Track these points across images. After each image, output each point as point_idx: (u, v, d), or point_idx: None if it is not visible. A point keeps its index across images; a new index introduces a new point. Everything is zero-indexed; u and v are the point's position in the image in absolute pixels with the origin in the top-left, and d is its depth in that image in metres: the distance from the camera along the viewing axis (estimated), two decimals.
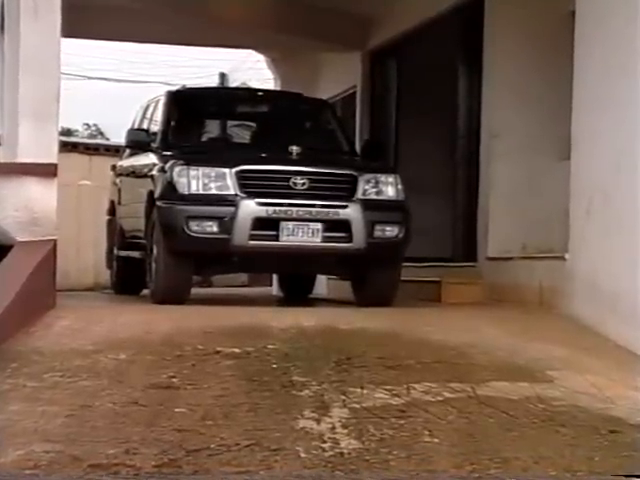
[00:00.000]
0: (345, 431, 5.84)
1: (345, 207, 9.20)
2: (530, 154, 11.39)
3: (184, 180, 9.09)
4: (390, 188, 9.57)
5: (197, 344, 7.65)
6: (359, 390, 6.56)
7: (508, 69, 11.68)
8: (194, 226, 8.93)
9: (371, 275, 9.69)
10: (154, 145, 10.52)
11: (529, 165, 11.35)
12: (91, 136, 37.29)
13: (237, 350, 7.50)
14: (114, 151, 18.34)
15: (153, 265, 9.67)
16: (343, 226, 9.18)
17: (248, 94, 13.01)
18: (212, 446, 5.55)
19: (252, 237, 8.96)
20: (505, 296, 10.85)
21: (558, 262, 9.55)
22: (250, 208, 8.97)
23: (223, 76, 29.96)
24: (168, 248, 9.20)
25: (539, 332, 7.30)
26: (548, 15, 11.05)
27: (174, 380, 6.80)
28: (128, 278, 12.39)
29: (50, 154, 9.31)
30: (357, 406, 6.28)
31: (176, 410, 6.16)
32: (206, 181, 9.06)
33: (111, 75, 38.21)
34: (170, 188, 9.20)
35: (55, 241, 9.29)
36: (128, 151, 12.75)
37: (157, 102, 12.19)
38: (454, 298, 11.33)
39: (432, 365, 7.22)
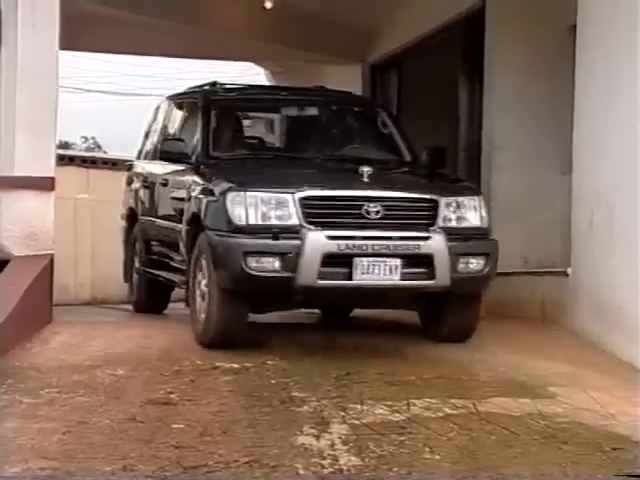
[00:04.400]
0: (345, 447, 5.85)
1: (426, 238, 7.80)
2: (531, 167, 11.40)
3: (240, 209, 7.67)
4: (475, 213, 8.19)
5: (195, 359, 7.66)
6: (359, 406, 6.56)
7: (509, 82, 11.71)
8: (253, 263, 7.52)
9: (450, 310, 8.37)
10: (194, 158, 9.02)
11: (530, 178, 11.36)
12: (89, 149, 37.38)
13: (236, 365, 7.51)
14: (112, 164, 18.40)
15: (197, 299, 8.33)
16: (425, 260, 7.79)
17: (295, 94, 10.83)
18: (210, 463, 5.55)
19: (321, 276, 7.55)
20: (507, 312, 10.83)
21: (560, 277, 9.55)
22: (319, 242, 7.55)
23: None
24: (221, 285, 7.83)
25: (541, 348, 7.31)
26: (549, 28, 11.07)
27: (172, 396, 6.81)
28: (153, 298, 11.05)
29: (47, 167, 9.32)
30: (357, 422, 6.29)
31: (174, 426, 6.16)
32: (265, 209, 7.65)
33: (108, 88, 38.28)
34: (223, 217, 7.76)
35: (52, 255, 9.30)
36: (146, 148, 11.51)
37: (177, 102, 10.88)
38: None
39: (433, 381, 7.22)
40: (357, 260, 7.59)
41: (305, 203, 7.68)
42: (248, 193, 7.70)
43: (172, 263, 9.71)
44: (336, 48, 16.25)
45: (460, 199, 8.16)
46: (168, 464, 5.51)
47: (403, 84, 16.01)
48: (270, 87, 11.86)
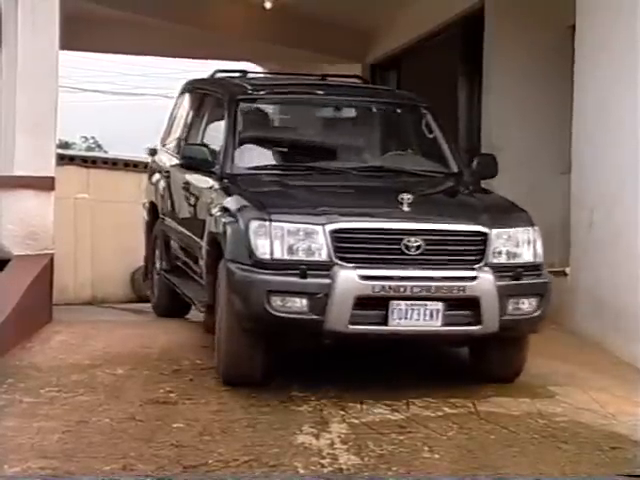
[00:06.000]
0: (344, 447, 5.85)
1: (473, 279, 6.73)
2: (530, 167, 11.40)
3: (264, 241, 6.67)
4: (528, 247, 7.09)
5: (195, 359, 7.66)
6: (358, 405, 6.56)
7: (508, 82, 11.72)
8: (277, 301, 6.56)
9: (497, 351, 7.26)
10: (217, 167, 7.90)
11: (529, 178, 11.36)
12: (89, 149, 37.37)
13: None
14: (112, 164, 18.43)
15: (217, 330, 7.28)
16: (470, 303, 6.73)
17: (333, 91, 9.23)
18: (210, 462, 5.55)
19: (353, 320, 6.55)
20: None
21: (559, 277, 9.55)
22: (351, 282, 6.54)
23: None
24: (240, 324, 6.84)
25: (541, 347, 7.29)
26: (548, 29, 11.08)
27: (172, 395, 6.81)
28: (174, 302, 9.90)
29: (47, 167, 9.33)
30: (356, 421, 6.29)
31: (174, 425, 6.16)
32: (292, 242, 6.66)
33: (108, 88, 38.31)
34: (245, 249, 6.74)
35: (52, 255, 9.30)
36: (169, 137, 10.34)
37: (202, 92, 9.70)
38: None
39: (432, 381, 7.22)
40: (394, 303, 6.62)
41: (337, 236, 6.67)
42: (273, 224, 6.70)
43: (192, 274, 8.81)
44: (336, 48, 16.27)
45: (513, 231, 7.08)
46: (168, 463, 5.51)
47: (402, 84, 15.99)
48: (305, 83, 9.38)
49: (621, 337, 8.13)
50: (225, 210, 7.27)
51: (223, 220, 7.21)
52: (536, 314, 6.99)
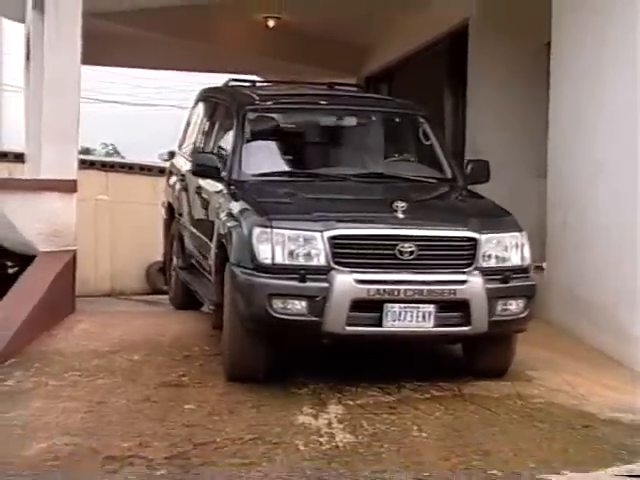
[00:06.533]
0: (340, 426, 5.86)
1: (463, 282, 6.58)
2: (510, 171, 11.35)
3: (266, 247, 6.52)
4: (516, 252, 6.90)
5: (204, 346, 7.66)
6: (353, 389, 6.56)
7: (490, 93, 11.70)
8: (278, 304, 6.42)
9: (485, 349, 7.12)
10: (225, 174, 7.70)
11: (509, 181, 11.31)
12: (108, 154, 37.30)
13: None
14: (128, 168, 18.43)
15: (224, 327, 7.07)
16: (460, 306, 6.60)
17: (336, 100, 8.99)
18: (218, 440, 5.56)
19: (349, 322, 6.41)
20: None
21: (538, 272, 9.55)
22: (347, 286, 6.40)
23: None
24: (243, 324, 6.69)
25: (520, 336, 7.30)
26: (526, 46, 11.07)
27: (183, 379, 6.82)
28: (190, 296, 9.68)
29: (70, 171, 9.32)
30: (351, 403, 6.30)
31: (185, 406, 6.17)
32: (292, 247, 6.51)
33: (123, 99, 38.20)
34: (248, 254, 6.59)
35: (75, 251, 9.30)
36: (186, 141, 10.16)
37: (214, 100, 9.50)
38: None
39: (420, 367, 7.22)
40: (388, 306, 6.48)
41: (334, 242, 6.51)
42: (275, 230, 6.54)
43: (203, 272, 8.62)
44: (333, 63, 16.24)
45: (501, 236, 6.90)
46: (180, 441, 5.52)
47: (393, 95, 15.95)
48: (309, 93, 9.23)
49: (592, 327, 8.14)
50: (231, 215, 7.15)
51: (229, 225, 7.09)
52: (523, 315, 6.83)
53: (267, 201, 7.13)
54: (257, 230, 6.58)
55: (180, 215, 9.79)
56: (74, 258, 9.27)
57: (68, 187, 9.23)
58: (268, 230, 6.55)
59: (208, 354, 7.37)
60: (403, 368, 7.08)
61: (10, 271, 9.46)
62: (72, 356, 7.40)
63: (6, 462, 5.17)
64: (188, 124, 10.34)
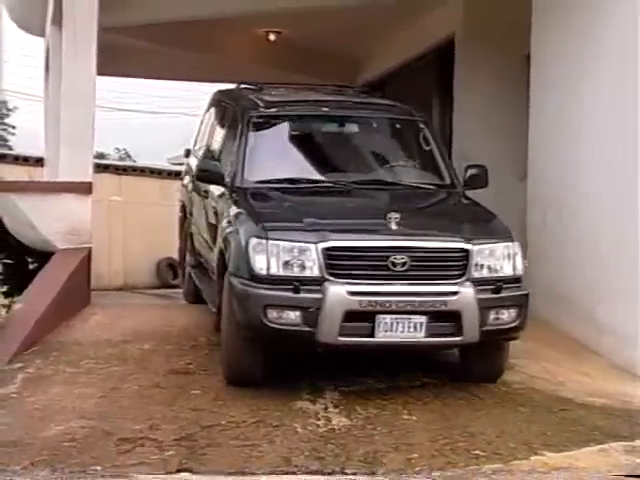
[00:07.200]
0: (336, 410, 5.87)
1: (454, 293, 6.20)
2: (496, 174, 11.35)
3: (262, 257, 6.19)
4: (508, 262, 6.51)
5: (209, 336, 7.66)
6: (349, 377, 6.57)
7: (475, 102, 11.69)
8: (273, 314, 6.09)
9: (478, 357, 6.72)
10: (228, 180, 7.34)
11: (494, 184, 11.34)
12: (121, 159, 37.24)
13: None
14: (140, 171, 18.44)
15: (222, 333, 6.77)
16: (452, 316, 6.22)
17: (339, 105, 8.51)
18: (223, 423, 5.58)
19: (342, 332, 6.07)
20: None
21: None
22: (340, 298, 6.06)
23: None
24: (239, 331, 6.36)
25: None
26: (508, 57, 11.05)
27: (190, 366, 6.83)
28: (201, 292, 9.11)
29: (86, 174, 9.32)
30: (346, 390, 6.31)
31: (192, 392, 6.18)
32: (287, 258, 6.17)
33: (135, 107, 38.17)
34: (245, 264, 6.27)
35: (90, 248, 9.30)
36: (199, 142, 9.68)
37: (222, 104, 9.10)
38: None
39: (409, 357, 7.23)
40: (380, 317, 6.12)
41: (328, 254, 6.15)
42: (270, 241, 6.20)
43: (209, 274, 8.21)
44: (330, 73, 16.18)
45: (494, 246, 6.49)
46: (187, 424, 5.54)
47: None
48: (313, 99, 8.60)
49: (571, 320, 8.15)
50: (230, 223, 6.85)
51: (228, 232, 6.82)
52: (515, 324, 6.44)
53: (265, 211, 6.84)
54: (253, 241, 6.27)
55: (190, 215, 9.53)
56: (89, 255, 9.28)
57: (84, 189, 9.23)
58: (264, 241, 6.22)
59: (213, 344, 7.38)
60: (396, 359, 7.08)
61: (30, 267, 9.47)
62: (88, 345, 7.41)
63: (27, 442, 5.19)
64: (202, 123, 9.96)
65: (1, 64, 29.60)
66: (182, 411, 5.77)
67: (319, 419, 5.69)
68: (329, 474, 4.89)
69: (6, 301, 7.09)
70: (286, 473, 4.88)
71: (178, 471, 4.85)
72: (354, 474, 4.90)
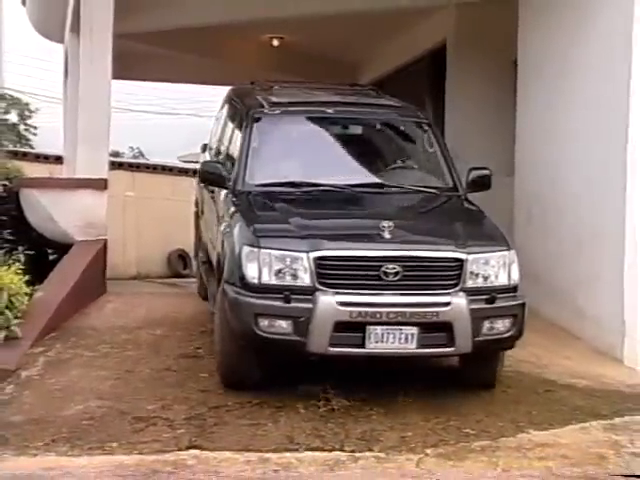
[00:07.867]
0: (335, 392, 5.86)
1: (447, 304, 5.68)
2: None
3: (254, 266, 5.73)
4: (504, 271, 5.98)
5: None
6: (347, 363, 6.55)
7: (465, 103, 11.66)
8: (264, 323, 5.65)
9: (472, 364, 6.23)
10: (230, 182, 6.84)
11: None
12: (134, 157, 37.17)
13: None
14: (152, 169, 18.41)
15: (215, 338, 6.40)
16: (444, 327, 5.70)
17: (347, 105, 7.95)
18: (229, 404, 5.59)
19: (332, 342, 5.61)
20: None
21: None
22: (330, 308, 5.59)
23: None
24: (231, 337, 5.95)
25: None
26: (496, 62, 11.02)
27: (199, 351, 6.83)
28: None
29: (102, 171, 9.33)
30: (345, 374, 6.31)
31: (201, 375, 6.18)
32: (279, 267, 5.70)
33: (148, 108, 38.11)
34: (237, 272, 5.82)
35: (106, 240, 9.31)
36: (212, 140, 9.12)
37: (232, 101, 8.51)
38: None
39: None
40: (370, 328, 5.63)
41: (319, 263, 5.68)
42: (262, 250, 5.73)
43: (215, 273, 7.36)
44: (329, 76, 16.16)
45: (489, 255, 5.95)
46: (196, 404, 5.55)
47: None
48: (320, 100, 7.93)
49: (554, 306, 8.14)
50: (227, 227, 6.44)
51: (224, 235, 6.42)
52: (509, 334, 5.93)
53: (259, 218, 6.30)
54: (246, 249, 5.80)
55: (202, 212, 9.02)
56: (105, 246, 9.28)
57: (100, 185, 9.23)
58: (255, 250, 5.75)
59: None
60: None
61: (50, 258, 9.46)
62: (104, 331, 7.41)
63: (48, 420, 5.21)
64: (216, 120, 9.31)
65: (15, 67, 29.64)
66: (192, 392, 5.78)
67: (320, 400, 5.69)
68: (329, 451, 4.90)
69: (28, 290, 7.09)
70: (289, 450, 4.89)
71: (188, 448, 4.86)
72: (352, 451, 4.91)
